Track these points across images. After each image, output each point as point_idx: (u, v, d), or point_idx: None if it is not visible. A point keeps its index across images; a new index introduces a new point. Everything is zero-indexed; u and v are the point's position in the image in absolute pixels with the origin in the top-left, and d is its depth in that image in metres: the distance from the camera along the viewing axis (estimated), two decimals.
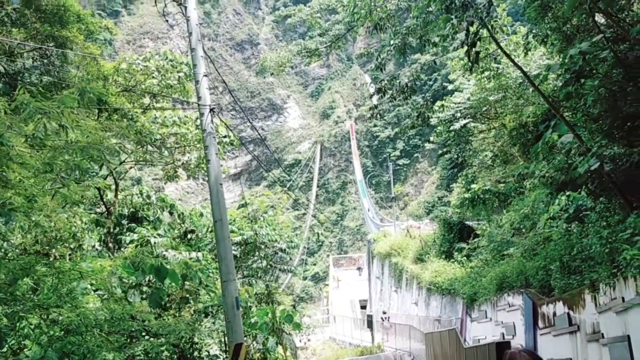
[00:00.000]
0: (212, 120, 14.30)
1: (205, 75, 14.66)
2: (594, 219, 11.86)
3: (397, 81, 18.61)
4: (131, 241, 20.72)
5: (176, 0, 14.47)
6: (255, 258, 23.73)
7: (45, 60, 17.62)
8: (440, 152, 41.36)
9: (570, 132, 9.97)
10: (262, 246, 23.68)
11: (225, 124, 17.26)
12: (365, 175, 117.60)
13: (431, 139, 36.64)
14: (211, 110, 14.37)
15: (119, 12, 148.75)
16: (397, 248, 40.80)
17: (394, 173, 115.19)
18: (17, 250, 24.82)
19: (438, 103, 29.09)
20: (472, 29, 13.00)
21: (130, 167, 23.86)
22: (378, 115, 19.66)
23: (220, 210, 13.32)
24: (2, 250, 22.01)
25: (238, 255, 24.11)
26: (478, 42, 13.28)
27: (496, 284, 17.87)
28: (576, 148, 10.65)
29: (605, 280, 8.86)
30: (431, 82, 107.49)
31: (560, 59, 14.96)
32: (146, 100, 21.60)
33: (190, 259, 20.51)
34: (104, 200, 22.58)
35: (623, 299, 8.08)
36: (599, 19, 12.53)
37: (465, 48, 13.34)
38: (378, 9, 16.89)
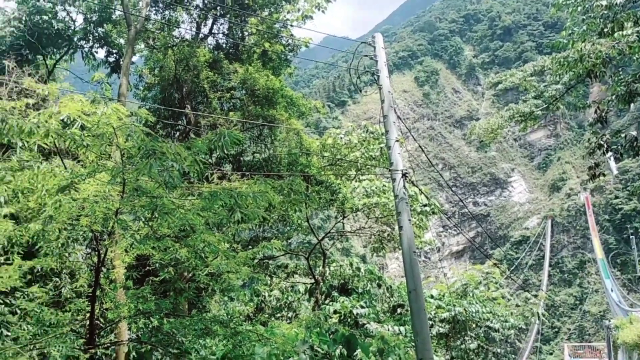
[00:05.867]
0: (404, 186, 13.80)
1: (397, 141, 14.31)
2: None
3: (622, 135, 16.01)
4: (335, 312, 20.78)
5: (369, 71, 14.83)
6: (466, 338, 21.83)
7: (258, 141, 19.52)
8: None
9: None
10: (473, 324, 21.74)
11: (420, 189, 16.63)
12: (607, 254, 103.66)
13: None
14: (403, 175, 13.90)
15: (346, 102, 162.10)
16: None
17: None
18: (241, 317, 26.80)
19: None
20: None
21: (338, 239, 24.43)
22: (601, 176, 16.98)
23: (414, 280, 12.55)
24: (230, 316, 23.76)
25: (448, 334, 22.51)
26: None
27: None
28: None
29: None
30: None
31: None
32: (351, 172, 22.27)
33: (395, 333, 19.72)
34: (313, 271, 23.36)
35: None
36: None
37: None
38: (591, 55, 14.98)
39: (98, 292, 9.20)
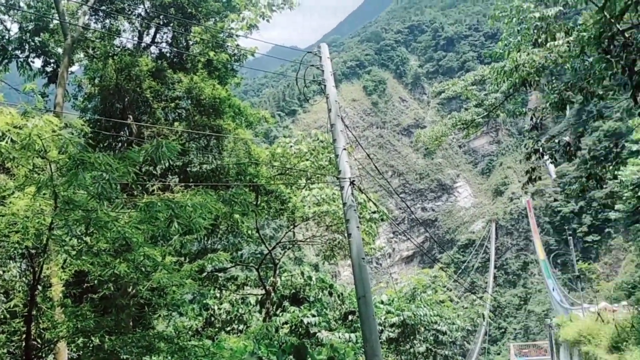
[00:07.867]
0: (352, 194, 13.89)
1: (345, 149, 14.40)
2: None
3: (557, 140, 16.70)
4: (285, 322, 20.63)
5: (316, 80, 14.87)
6: (415, 342, 22.11)
7: (205, 151, 19.25)
8: (630, 221, 36.21)
9: None
10: (421, 328, 22.06)
11: (369, 196, 16.80)
12: (548, 254, 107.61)
13: (616, 207, 32.23)
14: (351, 183, 13.99)
15: (296, 111, 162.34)
16: (587, 334, 35.40)
17: (582, 251, 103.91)
18: (190, 333, 26.22)
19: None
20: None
21: (289, 249, 24.33)
22: (537, 179, 17.62)
23: (364, 287, 12.64)
24: (177, 331, 23.22)
25: (398, 338, 22.73)
26: None
27: None
28: None
29: None
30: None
31: None
32: (301, 181, 22.26)
33: (346, 341, 19.76)
34: (264, 282, 23.16)
35: None
36: None
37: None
38: (525, 65, 15.55)
39: (34, 312, 8.79)
